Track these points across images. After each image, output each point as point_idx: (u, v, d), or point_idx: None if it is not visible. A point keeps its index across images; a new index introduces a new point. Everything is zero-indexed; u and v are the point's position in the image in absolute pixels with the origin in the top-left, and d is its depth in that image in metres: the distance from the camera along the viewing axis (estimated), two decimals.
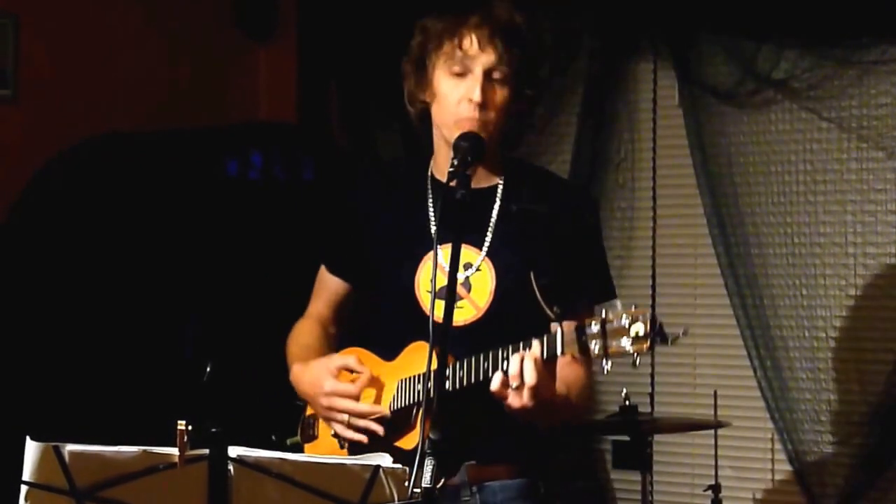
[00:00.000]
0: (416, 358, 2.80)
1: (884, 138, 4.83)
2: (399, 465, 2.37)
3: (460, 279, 2.85)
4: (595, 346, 2.52)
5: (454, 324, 2.74)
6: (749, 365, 5.01)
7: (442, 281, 2.75)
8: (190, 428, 2.32)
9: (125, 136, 5.25)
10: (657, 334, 2.46)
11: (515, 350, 2.65)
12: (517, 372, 2.61)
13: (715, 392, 4.66)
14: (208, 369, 3.98)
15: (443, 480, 2.43)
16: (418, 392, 2.81)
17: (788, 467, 4.95)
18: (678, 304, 5.29)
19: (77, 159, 5.13)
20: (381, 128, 5.83)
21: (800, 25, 4.85)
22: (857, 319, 4.89)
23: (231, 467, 2.34)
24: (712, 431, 4.70)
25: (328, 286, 3.18)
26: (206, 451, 2.34)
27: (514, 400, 2.64)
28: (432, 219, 2.93)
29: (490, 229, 2.90)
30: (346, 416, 2.91)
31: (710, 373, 5.22)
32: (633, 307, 2.51)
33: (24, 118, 5.20)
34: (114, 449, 2.36)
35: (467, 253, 2.85)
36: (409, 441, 2.82)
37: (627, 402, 4.43)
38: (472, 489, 2.87)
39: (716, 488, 4.65)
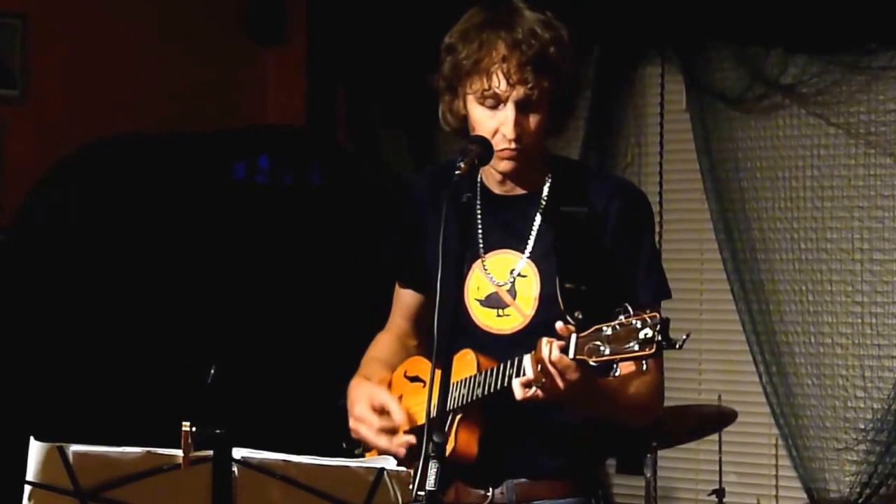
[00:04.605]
0: (462, 366, 2.75)
1: (892, 144, 4.83)
2: (403, 468, 2.36)
3: (506, 285, 2.82)
4: (605, 349, 2.48)
5: (503, 332, 2.79)
6: (754, 370, 5.01)
7: (487, 289, 2.80)
8: (194, 429, 2.32)
9: (132, 138, 5.26)
10: (664, 339, 2.43)
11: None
12: (532, 375, 2.56)
13: (719, 397, 4.65)
14: (213, 371, 3.98)
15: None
16: (454, 399, 2.75)
17: (793, 473, 4.95)
18: (684, 309, 5.27)
19: (84, 161, 5.14)
20: (387, 132, 5.84)
21: (808, 31, 4.84)
22: (862, 325, 4.88)
23: (235, 469, 2.34)
24: (716, 437, 4.69)
25: (402, 299, 3.10)
26: (211, 452, 2.34)
27: (538, 394, 2.58)
28: (480, 228, 2.87)
29: (533, 234, 2.83)
30: (369, 436, 2.89)
31: (715, 377, 5.22)
32: (646, 311, 2.46)
33: (32, 119, 5.22)
34: (118, 450, 2.36)
35: (510, 259, 2.83)
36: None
37: None
38: None
39: (720, 493, 4.64)
